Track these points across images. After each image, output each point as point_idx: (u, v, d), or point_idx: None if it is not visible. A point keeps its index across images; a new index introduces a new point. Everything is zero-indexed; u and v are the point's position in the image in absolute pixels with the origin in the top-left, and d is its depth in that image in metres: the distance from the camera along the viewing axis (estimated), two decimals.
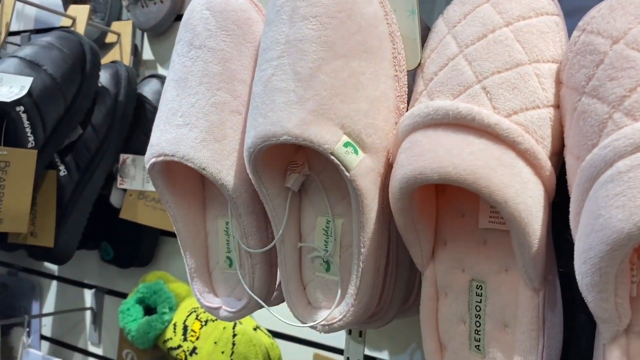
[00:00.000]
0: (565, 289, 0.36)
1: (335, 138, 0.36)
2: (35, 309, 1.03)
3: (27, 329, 0.90)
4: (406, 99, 0.40)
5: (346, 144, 0.36)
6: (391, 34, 0.39)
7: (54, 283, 1.05)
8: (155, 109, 0.84)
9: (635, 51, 0.28)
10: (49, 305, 1.06)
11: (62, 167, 0.74)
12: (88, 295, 1.00)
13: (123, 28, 0.91)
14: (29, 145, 0.67)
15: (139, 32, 0.93)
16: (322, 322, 0.41)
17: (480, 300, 0.37)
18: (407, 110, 0.39)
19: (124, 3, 0.90)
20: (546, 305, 0.34)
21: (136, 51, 0.93)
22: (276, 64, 0.38)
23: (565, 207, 0.31)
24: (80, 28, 0.84)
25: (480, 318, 0.37)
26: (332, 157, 0.36)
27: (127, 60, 0.90)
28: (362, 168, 0.37)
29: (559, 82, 0.33)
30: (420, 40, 0.40)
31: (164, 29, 0.91)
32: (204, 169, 0.42)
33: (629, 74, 0.28)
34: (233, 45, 0.44)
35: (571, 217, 0.30)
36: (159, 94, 0.86)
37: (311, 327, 0.41)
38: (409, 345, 0.70)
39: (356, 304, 0.39)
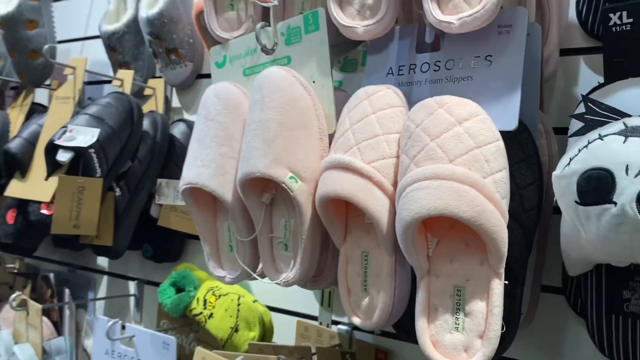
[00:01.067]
0: None
1: (284, 174, 0.66)
2: (91, 297, 1.34)
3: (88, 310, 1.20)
4: (327, 150, 0.69)
5: (291, 177, 0.66)
6: (317, 116, 0.69)
7: (105, 277, 1.36)
8: (182, 146, 1.15)
9: (423, 132, 0.58)
10: (101, 294, 1.37)
11: (117, 190, 1.05)
12: (131, 286, 1.30)
13: (157, 84, 1.23)
14: (97, 175, 0.98)
15: (169, 87, 1.25)
16: (283, 280, 0.70)
17: (367, 263, 0.66)
18: None
19: (158, 66, 1.22)
20: (397, 263, 0.63)
21: (167, 101, 1.24)
22: (253, 133, 0.68)
23: None
24: (127, 86, 1.15)
25: (366, 272, 0.66)
26: (283, 184, 0.66)
27: (160, 108, 1.21)
28: (300, 190, 0.66)
29: (398, 145, 0.63)
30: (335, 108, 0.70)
31: (188, 85, 1.22)
32: (214, 191, 0.72)
33: (419, 143, 0.58)
34: (231, 118, 0.74)
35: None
36: (185, 134, 1.17)
37: (276, 283, 0.71)
38: None
39: (301, 269, 0.69)
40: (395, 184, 0.62)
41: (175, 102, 1.26)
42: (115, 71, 1.26)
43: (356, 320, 0.67)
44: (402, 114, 0.64)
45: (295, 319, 1.04)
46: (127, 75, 1.15)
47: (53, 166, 0.99)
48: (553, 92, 0.80)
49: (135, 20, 1.23)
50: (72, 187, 0.95)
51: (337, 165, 0.63)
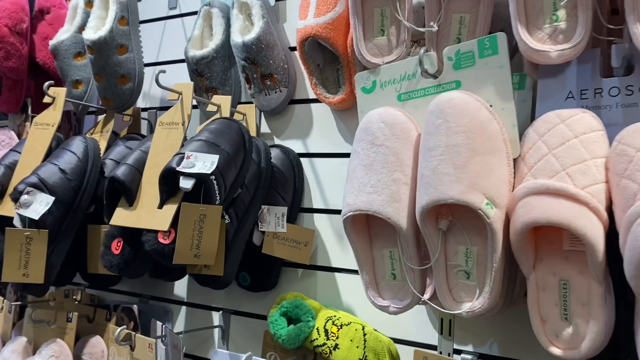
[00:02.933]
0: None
1: (480, 200, 0.64)
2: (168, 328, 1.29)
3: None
4: (513, 176, 0.68)
5: (487, 204, 0.64)
6: (504, 140, 0.68)
7: (183, 308, 1.32)
8: (281, 172, 1.13)
9: None
10: (179, 326, 1.32)
11: (226, 217, 1.02)
12: (215, 316, 1.26)
13: (248, 109, 1.21)
14: (217, 202, 0.95)
15: (257, 111, 1.23)
16: (467, 310, 0.68)
17: (566, 291, 0.64)
18: (514, 184, 0.67)
19: (250, 92, 1.20)
20: (606, 291, 0.62)
21: (256, 127, 1.22)
22: (440, 158, 0.67)
23: (614, 238, 0.60)
24: (225, 111, 1.13)
25: (567, 301, 0.64)
26: (479, 211, 0.64)
27: (253, 134, 1.19)
28: (495, 217, 0.65)
29: (606, 169, 0.62)
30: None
31: (280, 110, 1.20)
32: (389, 218, 0.70)
33: None
34: (401, 144, 0.72)
35: (620, 243, 0.58)
36: (281, 159, 1.15)
37: (457, 314, 0.69)
38: (488, 340, 0.96)
39: (490, 298, 0.67)
40: (607, 209, 0.61)
41: (264, 128, 1.24)
42: (200, 96, 1.23)
43: (555, 351, 0.65)
44: (604, 137, 0.64)
45: (411, 348, 1.01)
46: (224, 101, 1.13)
47: (167, 194, 0.96)
48: None
49: (224, 45, 1.22)
50: (194, 215, 0.92)
51: (546, 191, 0.62)
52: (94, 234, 1.14)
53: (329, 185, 1.14)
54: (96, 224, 1.14)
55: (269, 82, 1.17)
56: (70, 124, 1.43)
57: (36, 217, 1.02)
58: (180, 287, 1.33)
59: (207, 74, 1.22)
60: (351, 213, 0.73)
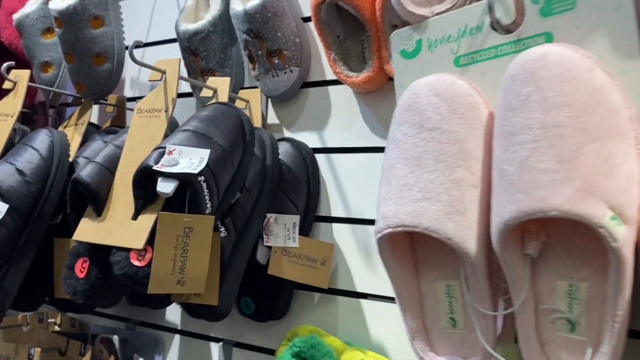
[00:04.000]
0: None
1: (602, 212, 0.40)
2: None
3: None
4: None
5: (612, 218, 0.40)
6: (631, 118, 0.44)
7: (176, 337, 1.09)
8: (291, 171, 0.90)
9: None
10: (172, 358, 1.09)
11: (222, 229, 0.79)
12: (214, 349, 1.03)
13: (251, 95, 0.98)
14: (207, 211, 0.72)
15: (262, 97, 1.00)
16: None
17: None
18: None
19: (254, 73, 0.97)
20: None
21: (262, 116, 1.00)
22: (532, 146, 0.43)
23: None
24: (223, 97, 0.90)
25: None
26: (601, 230, 0.40)
27: (257, 125, 0.96)
28: (624, 238, 0.41)
29: None
30: None
31: (290, 95, 0.97)
32: (449, 239, 0.47)
33: None
34: (466, 127, 0.49)
35: None
36: (292, 156, 0.92)
37: None
38: None
39: None
40: None
41: (272, 118, 1.01)
42: (195, 79, 1.01)
43: None
44: None
45: None
46: (221, 84, 0.90)
47: (144, 200, 0.73)
48: None
49: (222, 17, 0.99)
50: (177, 228, 0.69)
51: None
52: (61, 249, 0.92)
53: (352, 187, 0.90)
54: (65, 236, 0.92)
55: (277, 60, 0.94)
56: (46, 117, 1.22)
57: None
58: (174, 312, 1.11)
59: (203, 53, 1.00)
60: (389, 230, 0.50)
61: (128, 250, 0.72)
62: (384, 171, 0.53)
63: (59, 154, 0.90)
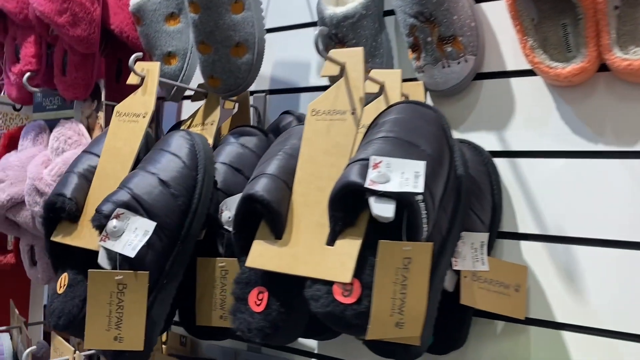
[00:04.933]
0: None
1: None
2: None
3: None
4: None
5: None
6: None
7: None
8: (473, 181, 0.76)
9: None
10: None
11: None
12: None
13: (413, 89, 0.84)
14: (423, 236, 0.59)
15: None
16: None
17: None
18: None
19: (417, 64, 0.83)
20: None
21: None
22: None
23: None
24: (393, 94, 0.77)
25: None
26: None
27: None
28: None
29: None
30: None
31: (461, 88, 0.84)
32: None
33: None
34: None
35: None
36: (472, 161, 0.78)
37: None
38: None
39: None
40: None
41: None
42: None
43: None
44: None
45: None
46: (391, 77, 0.77)
47: (343, 222, 0.60)
48: None
49: None
50: (397, 259, 0.56)
51: None
52: (205, 270, 0.80)
53: (547, 199, 0.77)
54: (208, 255, 0.80)
55: (450, 48, 0.80)
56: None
57: (132, 254, 0.68)
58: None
59: (352, 40, 0.86)
60: None
61: (329, 283, 0.60)
62: None
63: (204, 162, 0.78)
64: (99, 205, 0.72)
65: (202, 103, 0.95)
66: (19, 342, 1.20)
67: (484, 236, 0.75)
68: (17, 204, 0.98)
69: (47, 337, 1.23)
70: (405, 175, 0.59)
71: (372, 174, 0.58)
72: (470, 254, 0.75)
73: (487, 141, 0.82)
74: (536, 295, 0.77)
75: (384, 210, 0.56)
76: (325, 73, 0.70)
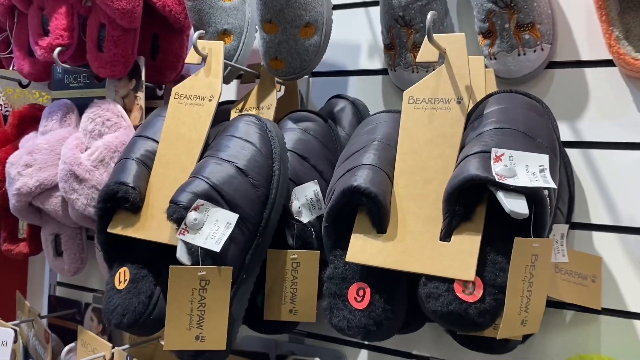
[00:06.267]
0: None
1: None
2: None
3: None
4: None
5: None
6: None
7: (363, 353, 0.95)
8: None
9: None
10: None
11: None
12: None
13: (475, 69, 0.82)
14: (546, 233, 0.58)
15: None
16: None
17: None
18: None
19: (490, 50, 0.81)
20: None
21: None
22: None
23: None
24: (480, 80, 0.74)
25: None
26: None
27: None
28: None
29: None
30: None
31: (533, 77, 0.82)
32: None
33: None
34: None
35: None
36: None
37: None
38: None
39: None
40: None
41: None
42: (405, 57, 0.84)
43: None
44: None
45: None
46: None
47: (461, 217, 0.58)
48: None
49: None
50: (527, 256, 0.55)
51: None
52: (276, 262, 0.76)
53: (623, 191, 0.77)
54: (275, 247, 0.76)
55: (528, 35, 0.78)
56: None
57: (217, 248, 0.64)
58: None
59: (419, 24, 0.83)
60: None
61: (448, 280, 0.57)
62: None
63: (279, 149, 0.74)
64: (175, 196, 0.67)
65: (252, 85, 0.89)
66: (31, 337, 1.12)
67: (564, 227, 0.74)
68: (46, 190, 0.90)
69: (52, 330, 1.15)
70: (530, 169, 0.57)
71: (497, 167, 0.56)
72: (552, 245, 0.74)
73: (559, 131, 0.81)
74: (608, 285, 0.78)
75: (518, 206, 0.54)
76: (422, 59, 0.67)
